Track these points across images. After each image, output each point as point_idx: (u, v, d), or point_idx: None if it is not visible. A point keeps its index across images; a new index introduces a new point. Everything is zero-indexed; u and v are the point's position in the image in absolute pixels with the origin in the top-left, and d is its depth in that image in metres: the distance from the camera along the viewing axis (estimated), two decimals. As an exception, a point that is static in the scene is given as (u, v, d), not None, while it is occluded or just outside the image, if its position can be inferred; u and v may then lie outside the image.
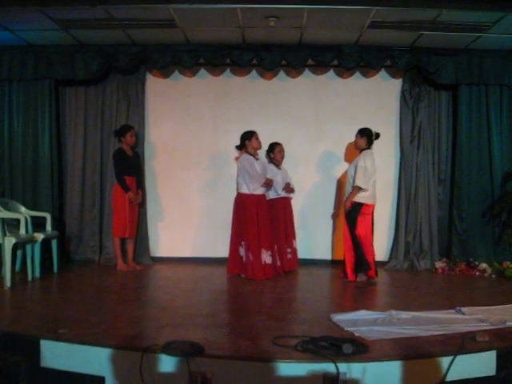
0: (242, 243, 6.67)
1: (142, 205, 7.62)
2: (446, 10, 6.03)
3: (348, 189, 6.59)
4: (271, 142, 7.41)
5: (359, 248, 6.37)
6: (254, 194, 6.61)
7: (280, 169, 7.27)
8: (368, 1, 5.98)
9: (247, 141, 6.77)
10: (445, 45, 7.28)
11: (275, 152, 7.27)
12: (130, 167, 7.16)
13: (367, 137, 6.54)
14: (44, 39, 7.26)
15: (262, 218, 6.64)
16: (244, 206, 6.62)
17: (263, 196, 6.76)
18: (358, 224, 6.39)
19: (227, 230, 7.76)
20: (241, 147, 6.85)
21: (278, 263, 6.84)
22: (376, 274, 6.48)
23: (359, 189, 6.35)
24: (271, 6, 6.05)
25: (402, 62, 7.41)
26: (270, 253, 6.66)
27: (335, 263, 7.54)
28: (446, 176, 7.81)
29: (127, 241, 7.28)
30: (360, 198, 6.39)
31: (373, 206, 6.51)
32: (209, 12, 6.23)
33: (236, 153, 7.11)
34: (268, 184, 6.77)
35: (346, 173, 6.94)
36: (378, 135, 6.58)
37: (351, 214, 6.42)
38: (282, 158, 7.35)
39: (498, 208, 7.37)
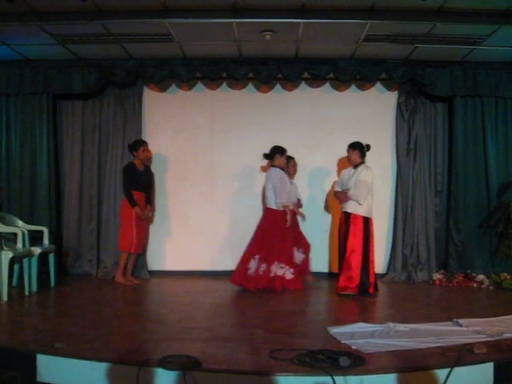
0: (257, 256, 6.61)
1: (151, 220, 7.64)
2: (440, 23, 6.07)
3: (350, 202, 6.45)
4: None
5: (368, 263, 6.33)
6: (281, 210, 6.67)
7: (291, 183, 7.18)
8: (363, 14, 6.02)
9: (278, 155, 6.84)
10: (440, 57, 7.34)
11: (289, 166, 7.24)
12: (139, 182, 7.11)
13: (359, 150, 6.52)
14: (42, 54, 7.30)
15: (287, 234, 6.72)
16: (274, 222, 6.67)
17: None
18: (370, 239, 6.38)
19: (224, 242, 7.80)
20: (269, 157, 6.93)
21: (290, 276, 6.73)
22: (376, 289, 6.45)
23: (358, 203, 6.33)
24: (267, 20, 6.09)
25: (397, 75, 7.46)
26: (287, 267, 6.67)
27: (332, 276, 7.52)
28: (442, 187, 7.83)
29: (132, 255, 7.23)
30: (366, 212, 6.37)
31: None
32: (205, 26, 6.28)
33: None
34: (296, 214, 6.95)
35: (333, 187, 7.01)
36: (368, 147, 6.56)
37: (366, 231, 6.34)
38: (295, 172, 7.38)
39: (495, 219, 7.38)
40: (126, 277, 7.17)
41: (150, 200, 7.39)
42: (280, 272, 6.63)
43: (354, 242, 6.34)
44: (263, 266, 6.55)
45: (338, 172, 7.68)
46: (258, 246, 6.65)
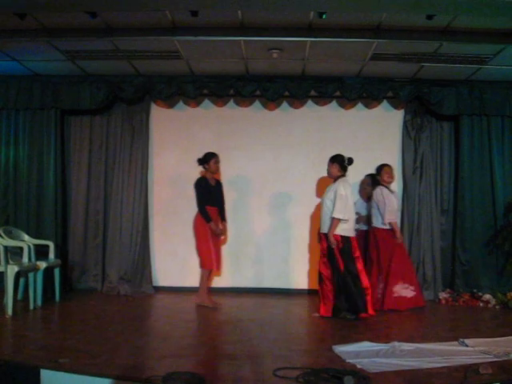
0: (380, 277, 6.70)
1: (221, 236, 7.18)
2: (446, 42, 6.11)
3: (326, 221, 6.22)
4: (274, 171, 7.46)
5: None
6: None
7: (392, 192, 7.02)
8: (370, 33, 6.06)
9: (383, 171, 6.90)
10: (446, 76, 7.37)
11: (382, 173, 7.01)
12: (212, 197, 6.89)
13: (339, 163, 6.27)
14: (51, 69, 7.37)
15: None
16: (384, 241, 6.71)
17: None
18: (356, 259, 6.12)
19: (230, 259, 7.76)
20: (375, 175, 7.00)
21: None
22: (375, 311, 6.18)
23: (339, 220, 6.06)
24: (274, 38, 6.14)
25: (403, 94, 7.49)
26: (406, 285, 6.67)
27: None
28: (448, 206, 7.80)
29: (211, 271, 7.01)
30: (344, 230, 6.10)
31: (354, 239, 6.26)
32: (213, 44, 6.34)
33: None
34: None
35: (319, 205, 6.84)
36: (350, 160, 6.28)
37: (344, 251, 6.07)
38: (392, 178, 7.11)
39: (501, 238, 7.35)
40: (209, 297, 6.86)
41: (223, 215, 7.07)
42: (404, 293, 6.62)
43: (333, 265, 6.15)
44: (383, 287, 6.63)
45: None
46: (379, 268, 6.73)
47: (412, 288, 6.66)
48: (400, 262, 6.69)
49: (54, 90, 7.58)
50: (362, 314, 5.99)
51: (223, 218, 7.05)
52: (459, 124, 7.64)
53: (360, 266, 6.13)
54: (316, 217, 7.80)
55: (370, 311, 6.05)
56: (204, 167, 6.98)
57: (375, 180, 7.11)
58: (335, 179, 6.32)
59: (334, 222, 6.05)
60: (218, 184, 7.12)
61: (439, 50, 6.36)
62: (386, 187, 6.85)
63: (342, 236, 6.08)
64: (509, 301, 6.88)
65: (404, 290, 6.62)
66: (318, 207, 7.79)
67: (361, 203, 7.38)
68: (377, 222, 6.81)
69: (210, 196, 6.85)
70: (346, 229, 6.13)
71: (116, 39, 6.21)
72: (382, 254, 6.71)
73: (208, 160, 6.89)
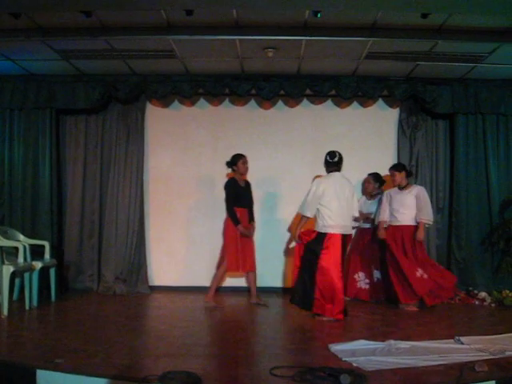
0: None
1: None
2: (441, 40, 6.12)
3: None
4: (270, 170, 7.48)
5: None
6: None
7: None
8: (365, 32, 6.06)
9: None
10: (441, 75, 7.39)
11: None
12: (242, 198, 6.88)
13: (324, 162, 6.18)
14: (45, 69, 7.35)
15: None
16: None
17: None
18: (321, 255, 5.85)
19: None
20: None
21: None
22: (344, 314, 5.90)
23: (302, 216, 6.01)
24: (269, 37, 6.14)
25: (398, 92, 7.50)
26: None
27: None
28: (444, 204, 7.83)
29: (248, 274, 7.02)
30: (319, 227, 5.97)
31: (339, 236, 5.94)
32: (208, 43, 6.33)
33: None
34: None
35: None
36: (332, 155, 6.10)
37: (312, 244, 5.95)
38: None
39: (497, 236, 7.39)
40: (250, 297, 6.94)
41: (252, 216, 7.08)
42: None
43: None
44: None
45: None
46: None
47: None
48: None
49: (49, 89, 7.57)
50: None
51: (252, 219, 7.04)
52: (454, 122, 7.67)
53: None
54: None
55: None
56: (232, 169, 6.97)
57: (378, 178, 7.28)
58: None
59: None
60: (247, 185, 7.09)
61: (434, 48, 6.37)
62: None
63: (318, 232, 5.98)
64: (504, 298, 6.90)
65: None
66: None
67: (363, 201, 7.38)
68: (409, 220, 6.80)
69: (239, 197, 6.84)
70: (323, 225, 5.94)
71: (111, 38, 6.20)
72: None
73: (236, 162, 6.89)
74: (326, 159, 6.13)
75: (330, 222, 5.89)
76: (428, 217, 6.73)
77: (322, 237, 5.90)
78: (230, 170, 7.04)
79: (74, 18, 5.58)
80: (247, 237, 6.84)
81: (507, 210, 7.44)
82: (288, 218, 7.73)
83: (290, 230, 7.73)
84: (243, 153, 6.96)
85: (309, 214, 5.95)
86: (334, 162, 6.08)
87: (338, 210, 5.93)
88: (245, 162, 6.92)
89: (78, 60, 7.00)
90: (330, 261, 5.83)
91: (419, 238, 6.68)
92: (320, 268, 5.83)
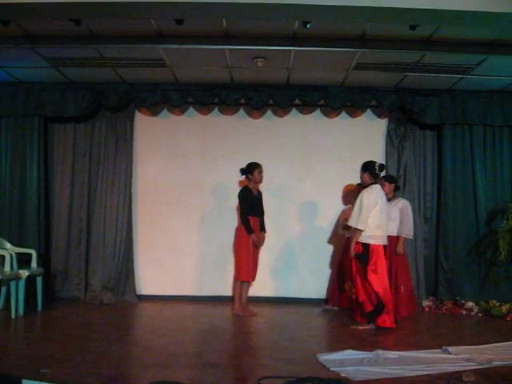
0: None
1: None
2: (429, 52, 6.18)
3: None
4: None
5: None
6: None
7: None
8: (354, 43, 6.10)
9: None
10: (429, 86, 7.45)
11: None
12: (255, 207, 6.82)
13: (370, 171, 6.13)
14: (34, 76, 7.32)
15: None
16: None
17: None
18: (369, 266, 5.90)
19: (213, 267, 7.77)
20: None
21: None
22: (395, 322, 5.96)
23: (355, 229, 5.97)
24: (259, 47, 6.15)
25: (387, 103, 7.55)
26: None
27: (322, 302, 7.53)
28: (431, 214, 7.87)
29: (244, 283, 6.87)
30: (364, 237, 5.96)
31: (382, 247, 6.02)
32: (198, 52, 6.34)
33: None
34: None
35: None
36: (382, 167, 6.22)
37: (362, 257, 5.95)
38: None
39: (484, 246, 7.43)
40: (242, 307, 6.77)
41: (263, 226, 6.99)
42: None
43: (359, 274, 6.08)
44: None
45: (329, 197, 7.74)
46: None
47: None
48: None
49: (38, 97, 7.54)
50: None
51: (262, 228, 6.98)
52: (442, 133, 7.73)
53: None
54: (300, 222, 7.85)
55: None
56: (247, 177, 6.91)
57: (393, 179, 7.22)
58: (364, 187, 6.20)
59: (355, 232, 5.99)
60: (259, 194, 7.05)
61: (422, 59, 6.43)
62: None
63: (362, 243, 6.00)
64: (491, 308, 6.94)
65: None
66: (304, 214, 7.86)
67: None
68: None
69: (252, 206, 6.79)
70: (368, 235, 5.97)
71: (100, 47, 6.19)
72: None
73: (252, 170, 6.83)
74: (372, 170, 6.10)
75: (376, 233, 5.96)
76: (409, 232, 6.92)
77: (367, 248, 5.91)
78: (239, 177, 7.08)
79: (64, 25, 5.54)
80: (257, 246, 6.79)
81: (494, 221, 7.48)
82: (275, 226, 7.68)
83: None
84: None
85: (362, 227, 5.91)
86: (378, 175, 6.17)
87: (383, 221, 6.02)
88: (261, 172, 6.87)
89: (67, 68, 6.98)
90: (382, 270, 5.92)
91: (399, 252, 6.81)
92: (371, 279, 5.87)
